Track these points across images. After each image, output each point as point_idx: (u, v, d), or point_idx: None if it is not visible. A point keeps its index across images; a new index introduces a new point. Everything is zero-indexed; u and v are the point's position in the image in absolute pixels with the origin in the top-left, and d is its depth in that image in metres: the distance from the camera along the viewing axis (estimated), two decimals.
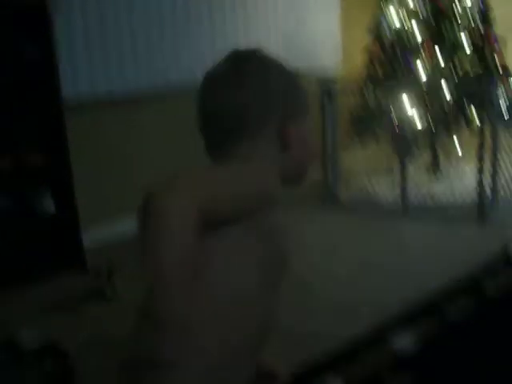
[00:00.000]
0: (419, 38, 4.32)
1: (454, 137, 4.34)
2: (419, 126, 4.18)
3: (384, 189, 4.32)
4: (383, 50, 4.54)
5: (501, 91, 4.02)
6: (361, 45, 4.68)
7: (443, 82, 4.18)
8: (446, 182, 4.33)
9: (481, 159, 3.69)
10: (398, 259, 3.18)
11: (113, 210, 3.80)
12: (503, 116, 4.01)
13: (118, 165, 3.87)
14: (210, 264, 0.93)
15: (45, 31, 3.13)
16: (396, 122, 4.14)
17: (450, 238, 3.47)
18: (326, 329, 2.41)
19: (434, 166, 4.61)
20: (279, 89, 1.04)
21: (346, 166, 4.51)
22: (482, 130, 3.76)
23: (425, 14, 4.33)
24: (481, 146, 3.68)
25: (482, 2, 4.34)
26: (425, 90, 4.18)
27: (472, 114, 4.11)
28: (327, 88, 4.21)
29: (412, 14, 4.37)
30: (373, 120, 4.36)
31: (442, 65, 4.27)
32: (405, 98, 4.15)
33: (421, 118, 4.18)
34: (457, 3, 4.28)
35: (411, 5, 4.38)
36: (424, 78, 4.24)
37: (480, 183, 3.73)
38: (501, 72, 4.23)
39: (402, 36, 4.41)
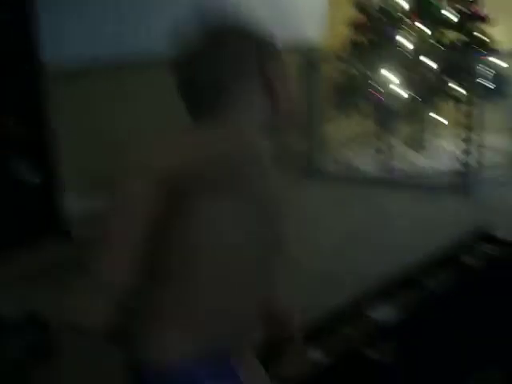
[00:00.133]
0: (406, 6, 4.30)
1: (437, 109, 4.36)
2: (402, 98, 4.18)
3: (367, 160, 4.33)
4: (368, 22, 4.52)
5: (483, 66, 4.02)
6: (345, 16, 4.64)
7: (427, 54, 4.17)
8: (428, 153, 4.34)
9: (466, 130, 3.72)
10: (381, 230, 3.20)
11: (101, 178, 3.74)
12: (487, 90, 4.01)
13: (105, 132, 3.80)
14: (199, 221, 0.97)
15: None
16: (379, 93, 4.13)
17: (432, 209, 3.50)
18: (310, 300, 2.43)
19: (417, 138, 4.62)
20: (251, 37, 1.08)
21: (330, 137, 4.51)
22: (466, 102, 3.77)
23: None
24: (466, 117, 3.71)
25: None
26: (408, 61, 4.16)
27: (455, 86, 4.11)
28: (311, 59, 4.18)
29: None
30: (356, 91, 4.35)
31: (427, 38, 4.26)
32: (388, 69, 4.14)
33: (404, 89, 4.18)
34: None
35: None
36: (408, 50, 4.23)
37: (464, 154, 3.76)
38: (484, 47, 4.23)
39: (387, 8, 4.39)
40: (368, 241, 3.05)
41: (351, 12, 4.61)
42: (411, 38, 4.27)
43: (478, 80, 3.80)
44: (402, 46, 4.28)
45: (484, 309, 2.28)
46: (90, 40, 3.67)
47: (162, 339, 1.00)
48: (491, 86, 4.03)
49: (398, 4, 4.36)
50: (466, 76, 3.92)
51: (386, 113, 4.11)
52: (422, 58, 4.17)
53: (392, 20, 4.37)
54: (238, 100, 1.06)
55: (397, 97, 4.18)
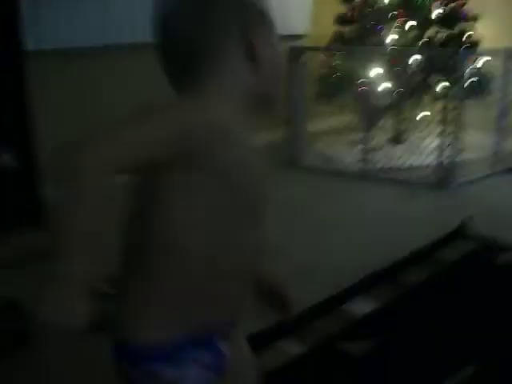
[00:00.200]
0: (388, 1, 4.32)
1: (420, 104, 4.38)
2: (386, 92, 4.20)
3: (348, 153, 4.34)
4: (353, 15, 4.52)
5: (467, 62, 4.04)
6: (331, 10, 4.63)
7: (412, 51, 4.19)
8: (410, 148, 4.37)
9: (447, 126, 3.75)
10: (360, 224, 3.22)
11: None
12: (470, 87, 4.04)
13: (86, 119, 3.77)
14: (169, 198, 0.94)
15: None
16: (363, 87, 4.14)
17: (411, 203, 3.53)
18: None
19: (399, 132, 4.64)
20: (234, 3, 1.00)
21: (312, 129, 4.51)
22: (450, 98, 3.81)
23: None
24: (448, 113, 3.74)
25: None
26: (393, 56, 4.18)
27: (439, 82, 4.14)
28: (295, 52, 4.17)
29: None
30: (340, 85, 4.35)
31: (412, 33, 4.28)
32: (373, 63, 4.15)
33: (388, 83, 4.19)
34: None
35: None
36: (393, 44, 4.24)
37: (445, 150, 3.79)
38: (469, 44, 4.26)
39: (373, 1, 4.40)
40: (347, 234, 3.06)
41: (337, 5, 4.60)
42: (397, 32, 4.28)
43: (461, 76, 3.82)
44: (387, 40, 4.29)
45: (461, 303, 2.31)
46: (73, 26, 3.63)
47: (147, 317, 0.98)
48: (474, 82, 4.05)
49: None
50: (450, 72, 3.94)
51: (369, 107, 4.12)
52: (406, 52, 4.19)
53: (378, 14, 4.37)
54: (217, 68, 0.98)
55: (381, 91, 4.19)
